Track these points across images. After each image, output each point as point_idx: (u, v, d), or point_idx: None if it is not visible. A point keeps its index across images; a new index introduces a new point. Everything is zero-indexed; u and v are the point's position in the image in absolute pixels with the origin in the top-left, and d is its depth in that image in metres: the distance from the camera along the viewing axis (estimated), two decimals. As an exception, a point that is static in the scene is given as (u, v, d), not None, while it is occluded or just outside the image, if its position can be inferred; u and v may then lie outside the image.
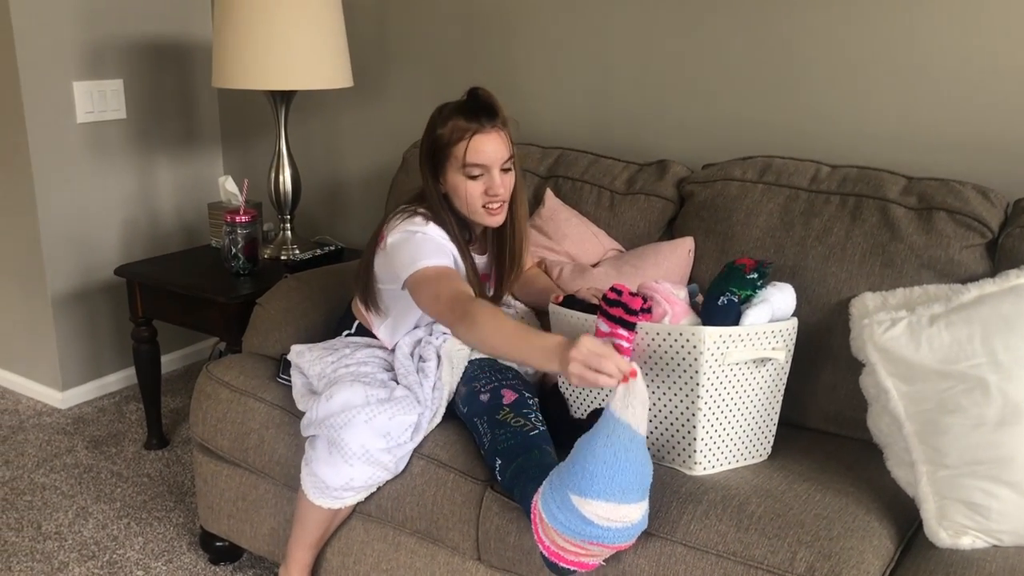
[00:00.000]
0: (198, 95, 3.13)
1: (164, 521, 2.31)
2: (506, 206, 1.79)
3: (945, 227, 1.78)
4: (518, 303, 2.00)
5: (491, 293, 1.91)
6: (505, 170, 1.75)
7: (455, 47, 2.64)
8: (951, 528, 1.47)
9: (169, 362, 3.14)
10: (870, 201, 1.86)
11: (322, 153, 3.01)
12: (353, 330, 1.95)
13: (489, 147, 1.71)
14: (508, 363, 1.81)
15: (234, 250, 2.42)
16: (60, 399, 2.90)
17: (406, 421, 1.65)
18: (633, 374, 1.37)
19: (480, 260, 1.90)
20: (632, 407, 1.37)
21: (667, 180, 2.13)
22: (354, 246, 2.88)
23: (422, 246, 1.71)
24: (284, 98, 2.58)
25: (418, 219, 1.76)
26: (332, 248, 2.65)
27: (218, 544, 2.12)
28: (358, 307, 1.94)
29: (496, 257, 1.90)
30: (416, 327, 1.88)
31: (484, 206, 1.75)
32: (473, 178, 1.72)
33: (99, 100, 2.83)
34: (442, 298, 1.60)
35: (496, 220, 1.78)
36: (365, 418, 1.61)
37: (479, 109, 1.72)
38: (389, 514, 1.74)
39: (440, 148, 1.74)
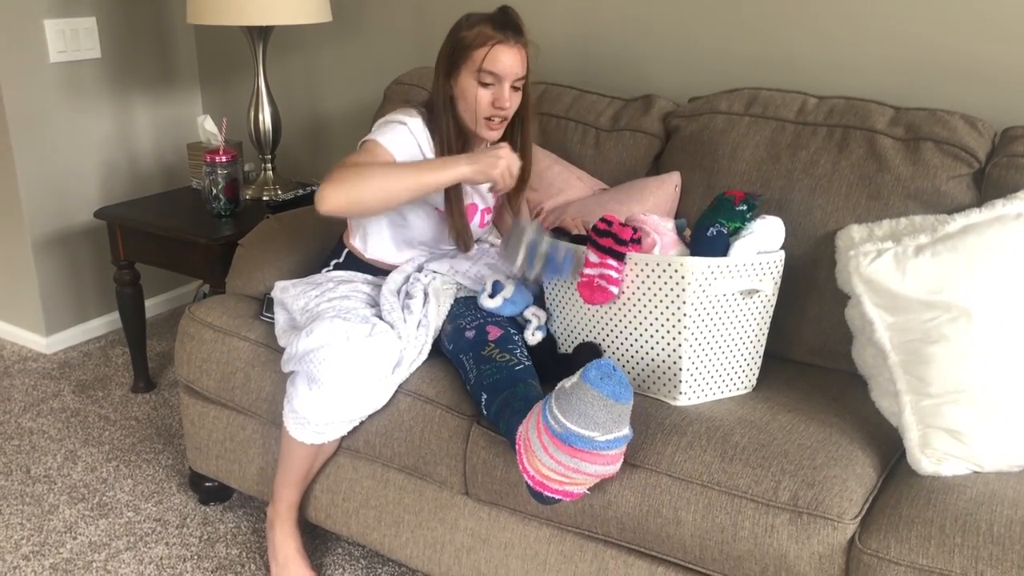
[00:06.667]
0: (174, 33, 3.06)
1: (153, 463, 2.31)
2: (505, 125, 1.80)
3: (932, 158, 1.76)
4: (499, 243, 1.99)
5: (486, 223, 1.94)
6: (515, 88, 1.76)
7: (436, -20, 2.58)
8: (933, 455, 1.48)
9: (154, 306, 3.12)
10: (857, 132, 1.84)
11: (302, 91, 2.96)
12: (342, 259, 1.94)
13: (507, 59, 1.73)
14: None
15: (215, 191, 2.39)
16: (45, 344, 2.89)
17: (386, 356, 1.64)
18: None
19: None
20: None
21: (652, 115, 2.10)
22: (337, 186, 2.84)
23: (390, 131, 1.74)
24: (261, 34, 2.52)
25: (412, 111, 1.79)
26: (314, 188, 2.61)
27: (207, 484, 2.13)
28: (348, 234, 1.95)
29: None
30: (402, 264, 1.87)
31: (487, 118, 1.76)
32: (484, 85, 1.74)
33: (72, 39, 2.75)
34: (344, 163, 1.63)
35: (493, 135, 1.80)
36: (344, 352, 1.61)
37: (507, 23, 1.75)
38: (377, 450, 1.74)
39: (460, 49, 1.75)
